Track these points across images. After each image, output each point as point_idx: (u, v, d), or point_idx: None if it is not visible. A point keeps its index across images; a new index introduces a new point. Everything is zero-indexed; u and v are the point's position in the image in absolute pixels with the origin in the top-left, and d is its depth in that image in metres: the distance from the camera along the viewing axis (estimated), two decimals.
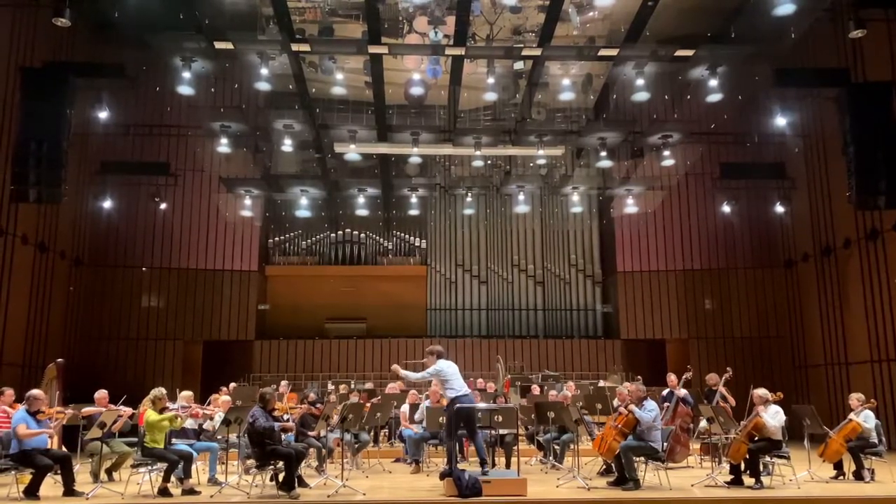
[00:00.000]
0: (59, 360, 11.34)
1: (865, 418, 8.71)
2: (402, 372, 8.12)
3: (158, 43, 13.20)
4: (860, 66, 14.07)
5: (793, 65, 15.06)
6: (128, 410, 8.64)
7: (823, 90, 14.16)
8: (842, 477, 8.74)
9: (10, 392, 8.70)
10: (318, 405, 9.68)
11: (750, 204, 17.60)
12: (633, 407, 8.02)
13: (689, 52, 13.83)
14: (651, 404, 8.12)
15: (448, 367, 8.02)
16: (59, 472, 7.57)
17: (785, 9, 11.89)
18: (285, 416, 9.12)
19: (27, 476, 7.44)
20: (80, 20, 12.74)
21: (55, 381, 10.96)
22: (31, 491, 7.27)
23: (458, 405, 7.82)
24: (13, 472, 7.48)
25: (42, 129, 12.24)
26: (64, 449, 8.47)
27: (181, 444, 8.09)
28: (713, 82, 14.07)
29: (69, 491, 7.45)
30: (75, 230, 16.48)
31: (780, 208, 16.75)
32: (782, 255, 18.05)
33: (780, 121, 14.89)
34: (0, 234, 13.29)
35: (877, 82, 13.17)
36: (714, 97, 14.39)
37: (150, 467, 7.68)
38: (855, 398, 8.94)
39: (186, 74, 13.48)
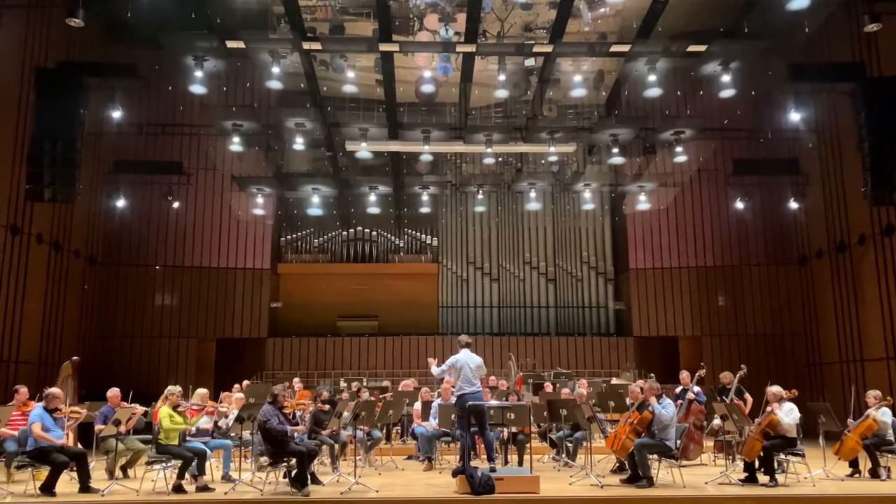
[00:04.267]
0: (75, 357, 11.46)
1: (882, 416, 8.64)
2: (433, 368, 8.47)
3: (170, 42, 13.26)
4: (875, 60, 13.91)
5: (807, 60, 14.91)
6: (141, 409, 8.69)
7: (838, 85, 13.97)
8: (857, 475, 8.68)
9: (24, 390, 8.77)
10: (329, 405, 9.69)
11: (763, 200, 17.47)
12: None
13: (702, 48, 13.71)
14: (667, 401, 8.10)
15: (463, 360, 8.03)
16: (74, 468, 7.65)
17: (799, 3, 11.78)
18: (296, 413, 9.14)
19: (43, 473, 7.52)
20: (93, 20, 12.82)
21: (70, 379, 11.07)
22: (48, 488, 7.35)
23: (469, 402, 7.84)
24: (30, 469, 7.59)
25: (56, 128, 12.30)
26: (79, 446, 8.52)
27: (195, 442, 8.15)
28: (726, 78, 13.93)
29: (85, 488, 7.52)
30: (89, 229, 16.60)
31: (793, 204, 16.59)
32: (796, 252, 17.90)
33: (794, 116, 14.70)
34: (15, 234, 13.41)
35: (892, 76, 13.00)
36: (727, 93, 14.22)
37: (164, 464, 7.75)
38: (871, 395, 8.88)
39: (198, 73, 13.51)
